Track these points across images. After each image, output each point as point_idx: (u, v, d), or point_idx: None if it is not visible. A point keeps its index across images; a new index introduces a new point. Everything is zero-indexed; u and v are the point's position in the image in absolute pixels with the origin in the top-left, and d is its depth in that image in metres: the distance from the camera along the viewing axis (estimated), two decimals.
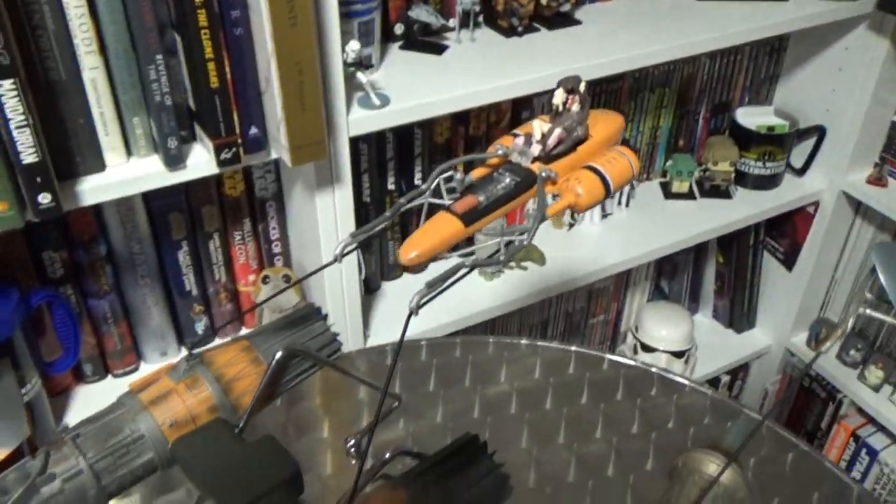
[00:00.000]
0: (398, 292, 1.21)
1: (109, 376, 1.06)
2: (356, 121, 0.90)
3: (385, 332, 1.13)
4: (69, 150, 0.78)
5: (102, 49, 0.75)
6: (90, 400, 1.02)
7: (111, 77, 0.77)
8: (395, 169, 1.12)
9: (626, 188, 1.37)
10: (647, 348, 1.51)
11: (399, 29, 1.06)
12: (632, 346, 1.54)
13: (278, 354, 0.53)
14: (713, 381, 1.69)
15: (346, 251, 0.52)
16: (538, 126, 0.55)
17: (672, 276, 1.67)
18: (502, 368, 0.77)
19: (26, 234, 0.92)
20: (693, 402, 0.74)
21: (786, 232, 1.55)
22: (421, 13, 1.04)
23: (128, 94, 0.78)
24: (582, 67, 1.06)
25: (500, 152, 0.56)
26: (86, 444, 0.47)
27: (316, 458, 0.69)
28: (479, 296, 1.21)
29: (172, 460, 0.50)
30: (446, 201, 0.53)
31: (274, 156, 0.86)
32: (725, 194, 1.43)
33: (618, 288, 1.56)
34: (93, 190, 0.80)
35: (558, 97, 0.56)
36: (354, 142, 1.01)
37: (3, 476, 0.45)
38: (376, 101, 0.91)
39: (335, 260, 0.53)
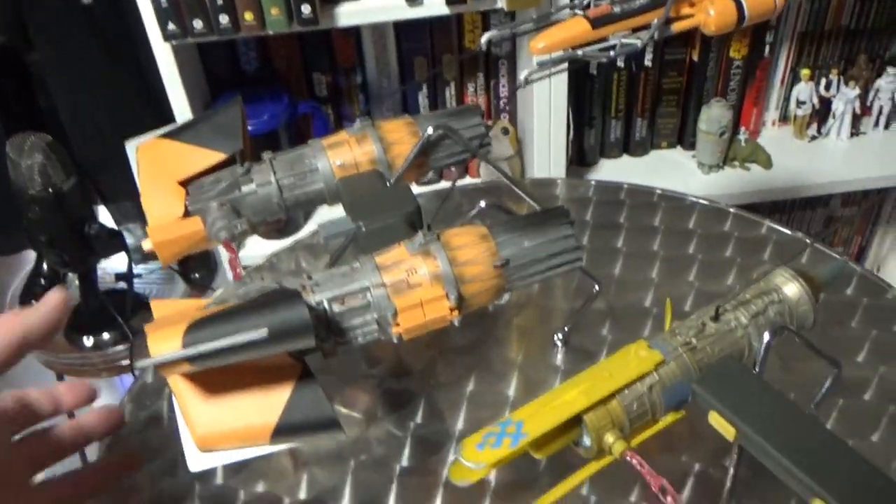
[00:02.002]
0: (612, 169, 1.27)
1: None
2: None
3: None
4: None
5: None
6: None
7: None
8: None
9: (887, 109, 1.27)
10: None
11: None
12: None
13: (429, 129, 0.65)
14: None
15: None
16: None
17: None
18: (658, 212, 0.82)
19: (302, 55, 1.13)
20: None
21: None
22: None
23: None
24: None
25: None
26: (277, 165, 0.63)
27: None
28: (694, 185, 1.23)
29: (336, 193, 0.64)
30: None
31: (499, 5, 0.96)
32: None
33: (865, 220, 1.47)
34: (346, 13, 0.97)
35: None
36: None
37: (220, 173, 0.63)
38: None
39: (479, 49, 0.63)
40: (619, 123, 1.25)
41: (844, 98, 1.25)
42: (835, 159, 1.27)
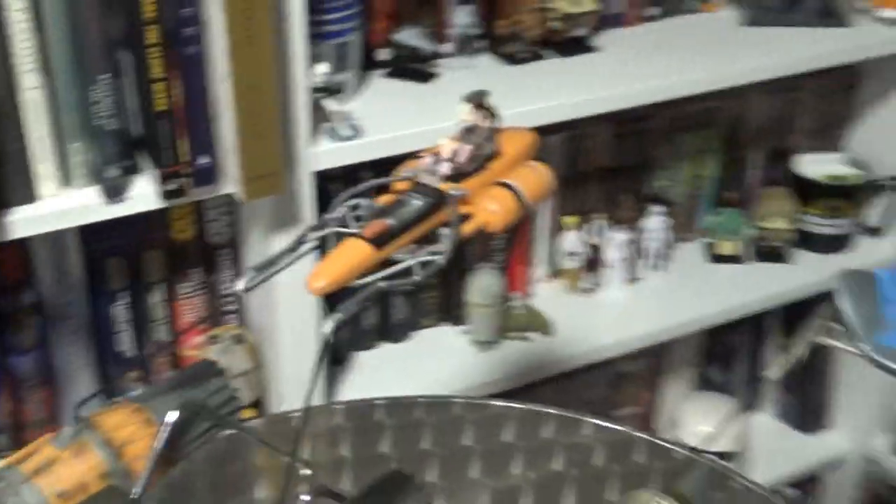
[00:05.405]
0: (371, 363, 1.33)
1: None
2: (321, 153, 1.05)
3: None
4: None
5: (45, 67, 0.91)
6: None
7: (52, 97, 0.92)
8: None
9: (662, 249, 1.49)
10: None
11: (383, 54, 1.22)
12: None
13: (173, 415, 0.62)
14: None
15: (249, 286, 0.65)
16: (447, 144, 0.68)
17: (724, 363, 1.77)
18: (466, 431, 0.89)
19: None
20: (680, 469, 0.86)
21: None
22: (409, 37, 1.19)
23: (68, 117, 0.93)
24: (596, 98, 1.21)
25: (407, 175, 0.69)
26: None
27: None
28: (470, 369, 1.33)
29: None
30: (353, 230, 0.65)
31: (226, 190, 1.00)
32: (782, 258, 1.55)
33: (651, 374, 1.67)
34: (20, 222, 0.94)
35: (465, 113, 0.69)
36: (323, 180, 1.15)
37: None
38: (345, 132, 1.06)
39: (239, 295, 0.65)
40: (376, 308, 1.33)
41: (615, 242, 1.45)
42: (614, 313, 1.45)
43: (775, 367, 0.62)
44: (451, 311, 1.40)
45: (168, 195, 0.96)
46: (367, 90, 1.18)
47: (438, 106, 1.15)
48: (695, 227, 1.59)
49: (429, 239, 0.67)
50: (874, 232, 1.61)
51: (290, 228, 1.07)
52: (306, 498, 0.62)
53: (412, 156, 1.13)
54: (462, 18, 1.21)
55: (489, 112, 0.69)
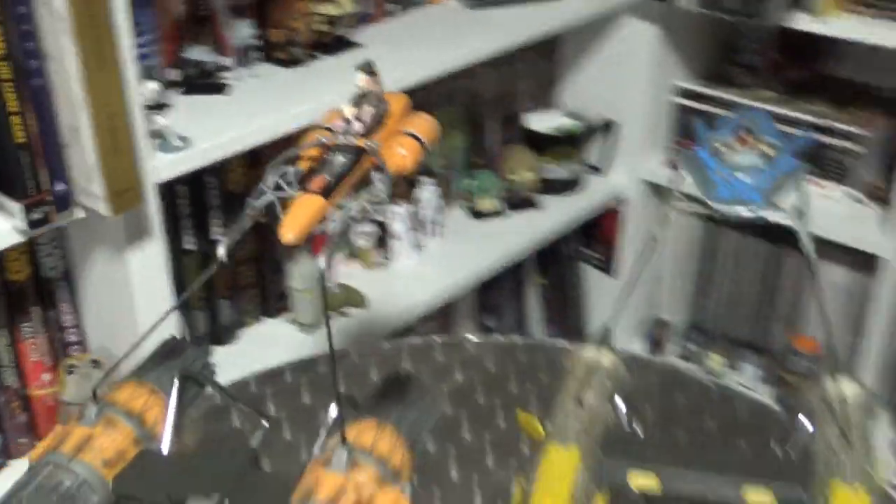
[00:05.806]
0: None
1: None
2: (161, 166, 1.11)
3: None
4: None
5: None
6: None
7: None
8: (191, 226, 1.33)
9: (436, 216, 1.66)
10: None
11: (174, 74, 1.29)
12: None
13: (175, 382, 0.72)
14: None
15: (228, 251, 0.74)
16: (348, 110, 0.81)
17: (495, 310, 1.98)
18: (372, 369, 1.01)
19: None
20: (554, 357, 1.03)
21: (599, 237, 1.94)
22: (196, 54, 1.28)
23: None
24: None
25: (323, 140, 0.81)
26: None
27: None
28: (302, 352, 1.42)
29: (116, 498, 0.65)
30: (294, 191, 0.77)
31: (79, 215, 1.05)
32: (533, 204, 1.78)
33: (441, 331, 1.84)
34: None
35: (362, 80, 0.83)
36: None
37: None
38: (177, 144, 1.13)
39: (220, 262, 0.74)
40: (203, 314, 1.40)
41: (398, 217, 1.60)
42: (408, 281, 1.61)
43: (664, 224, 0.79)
44: (269, 304, 1.49)
45: (34, 224, 1.00)
46: (173, 107, 1.25)
47: (242, 111, 1.25)
48: (456, 192, 1.78)
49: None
50: (597, 170, 1.88)
51: (139, 242, 1.13)
52: (333, 406, 0.72)
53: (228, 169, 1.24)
54: (242, 31, 1.31)
55: (377, 78, 0.82)
